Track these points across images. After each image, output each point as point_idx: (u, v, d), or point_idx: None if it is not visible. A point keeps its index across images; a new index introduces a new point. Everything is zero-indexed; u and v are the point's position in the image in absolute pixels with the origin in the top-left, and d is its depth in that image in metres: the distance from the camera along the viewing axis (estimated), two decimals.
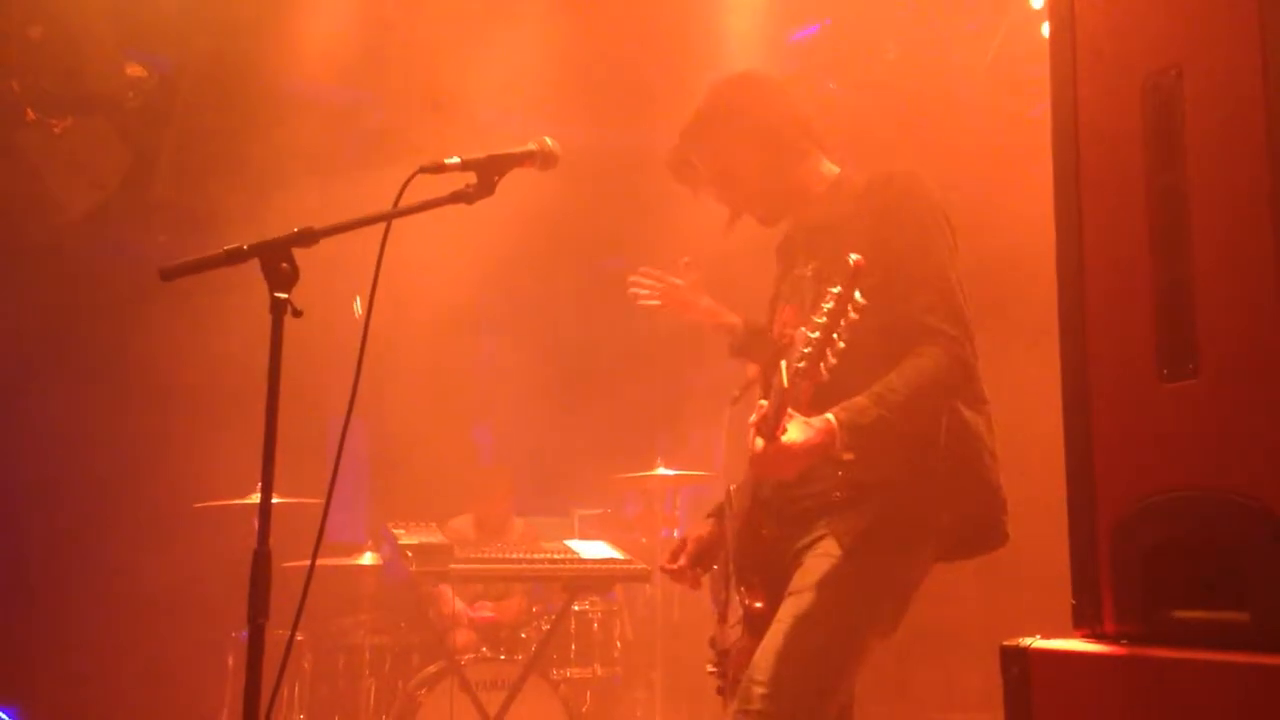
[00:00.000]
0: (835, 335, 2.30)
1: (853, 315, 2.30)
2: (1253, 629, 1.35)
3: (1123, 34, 1.56)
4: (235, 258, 2.26)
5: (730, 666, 2.64)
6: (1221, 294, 1.40)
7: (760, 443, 2.43)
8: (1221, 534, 1.38)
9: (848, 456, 2.46)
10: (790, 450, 2.42)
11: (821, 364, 2.32)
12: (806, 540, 2.60)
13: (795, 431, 2.43)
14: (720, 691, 2.68)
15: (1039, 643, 1.53)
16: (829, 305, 2.31)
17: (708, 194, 2.89)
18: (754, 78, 2.97)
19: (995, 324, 3.06)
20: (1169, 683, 1.38)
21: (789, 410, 2.42)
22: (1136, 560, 1.46)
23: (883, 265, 2.50)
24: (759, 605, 2.57)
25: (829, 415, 2.44)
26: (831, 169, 2.83)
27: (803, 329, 2.36)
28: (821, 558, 2.54)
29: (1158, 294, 1.46)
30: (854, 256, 2.32)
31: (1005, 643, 1.56)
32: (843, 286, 2.30)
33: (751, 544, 2.65)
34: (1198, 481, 1.40)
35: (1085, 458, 1.53)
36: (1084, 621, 1.51)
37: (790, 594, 2.54)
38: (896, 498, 2.55)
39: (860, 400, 2.47)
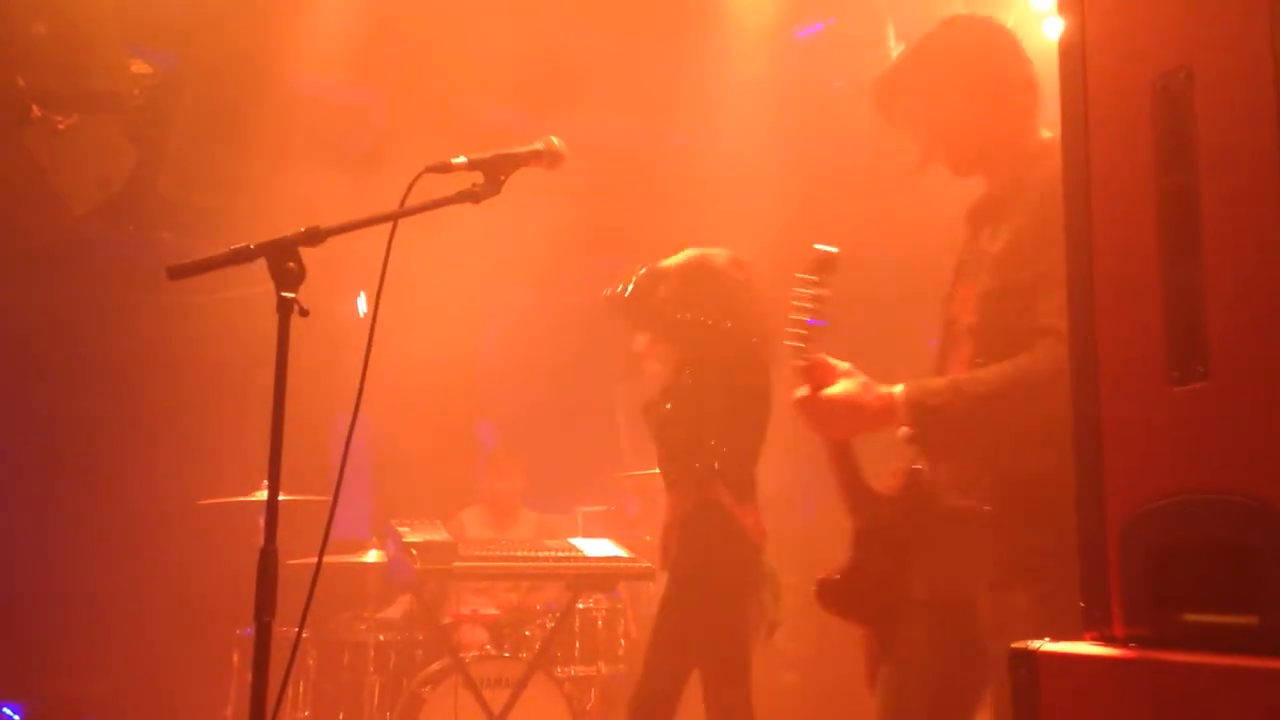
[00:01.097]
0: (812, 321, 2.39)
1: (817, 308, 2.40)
2: (1261, 633, 1.34)
3: (1132, 35, 1.55)
4: (242, 257, 2.26)
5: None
6: (1232, 296, 1.39)
7: (805, 390, 2.42)
8: (1231, 537, 1.38)
9: (905, 431, 2.40)
10: (827, 402, 2.38)
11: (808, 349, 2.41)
12: (973, 585, 2.42)
13: (841, 386, 2.40)
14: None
15: (1047, 645, 1.53)
16: (801, 290, 2.42)
17: (904, 129, 2.73)
18: (991, 23, 2.79)
19: None
20: (1178, 686, 1.38)
21: (844, 365, 2.43)
22: (1146, 563, 1.46)
23: (1035, 250, 2.34)
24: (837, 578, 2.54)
25: (897, 387, 2.39)
26: (1048, 134, 2.57)
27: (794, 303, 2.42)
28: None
29: (1168, 296, 1.45)
30: (821, 247, 2.39)
31: (1013, 644, 1.55)
32: (813, 274, 2.41)
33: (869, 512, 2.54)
34: (1207, 484, 1.40)
35: (1094, 460, 1.52)
36: (1093, 624, 1.51)
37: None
38: (1055, 515, 2.38)
39: (938, 382, 2.42)
